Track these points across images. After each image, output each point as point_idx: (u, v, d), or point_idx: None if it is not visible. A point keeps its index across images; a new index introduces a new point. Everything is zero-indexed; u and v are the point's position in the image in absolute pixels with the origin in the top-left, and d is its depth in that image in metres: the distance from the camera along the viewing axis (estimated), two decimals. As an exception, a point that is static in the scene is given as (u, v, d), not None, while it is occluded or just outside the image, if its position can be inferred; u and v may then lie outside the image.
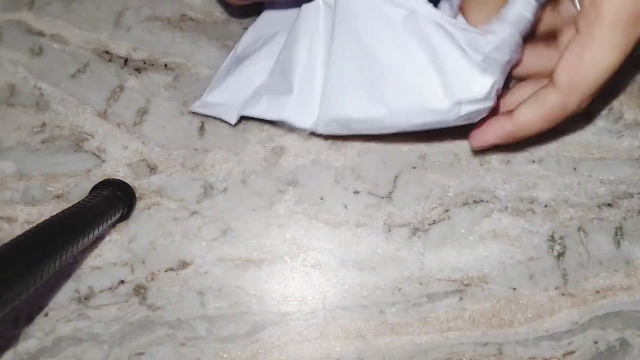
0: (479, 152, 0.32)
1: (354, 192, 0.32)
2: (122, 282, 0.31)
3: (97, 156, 0.32)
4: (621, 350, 0.30)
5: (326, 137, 0.32)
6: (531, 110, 0.25)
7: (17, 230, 0.31)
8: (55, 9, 0.34)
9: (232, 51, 0.32)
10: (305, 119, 0.28)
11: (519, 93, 0.28)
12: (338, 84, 0.26)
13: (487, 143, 0.27)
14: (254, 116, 0.30)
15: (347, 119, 0.26)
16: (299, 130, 0.29)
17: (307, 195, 0.32)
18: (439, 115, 0.23)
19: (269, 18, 0.32)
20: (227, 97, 0.31)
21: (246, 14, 0.34)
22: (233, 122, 0.31)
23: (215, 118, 0.32)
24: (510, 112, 0.26)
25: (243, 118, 0.33)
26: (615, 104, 0.33)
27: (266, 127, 0.32)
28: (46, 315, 0.30)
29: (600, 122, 0.33)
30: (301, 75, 0.28)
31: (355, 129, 0.27)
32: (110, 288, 0.31)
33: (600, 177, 0.32)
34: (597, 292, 0.31)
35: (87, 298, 0.31)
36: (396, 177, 0.32)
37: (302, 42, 0.27)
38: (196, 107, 0.31)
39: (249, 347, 0.30)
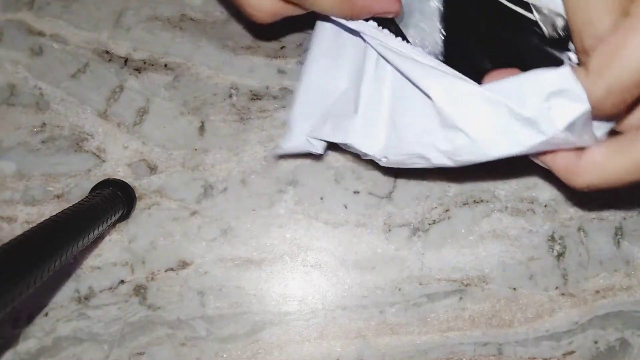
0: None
1: (354, 192, 0.32)
2: (122, 282, 0.31)
3: (97, 156, 0.32)
4: (621, 350, 0.30)
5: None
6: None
7: (17, 230, 0.31)
8: (55, 9, 0.34)
9: (302, 70, 0.29)
10: (370, 146, 0.26)
11: None
12: (405, 120, 0.24)
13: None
14: (322, 139, 0.28)
15: (414, 156, 0.24)
16: (363, 155, 0.27)
17: (307, 195, 0.32)
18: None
19: (328, 31, 0.28)
20: (306, 127, 0.28)
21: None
22: (322, 151, 0.28)
23: (214, 118, 0.32)
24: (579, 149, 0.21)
25: (242, 118, 0.33)
26: (615, 104, 0.33)
27: (266, 127, 0.32)
28: (46, 315, 0.30)
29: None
30: (367, 100, 0.26)
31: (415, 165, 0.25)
32: (110, 288, 0.31)
33: (600, 177, 0.32)
34: (597, 292, 0.31)
35: (87, 298, 0.31)
36: (396, 177, 0.32)
37: (367, 69, 0.26)
38: (285, 147, 0.28)
39: (249, 347, 0.30)
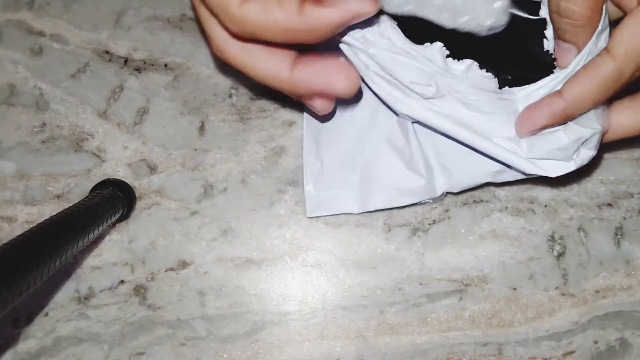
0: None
1: (354, 192, 0.32)
2: (122, 282, 0.31)
3: (97, 156, 0.32)
4: (621, 350, 0.30)
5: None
6: (583, 81, 0.24)
7: (17, 230, 0.31)
8: (55, 9, 0.34)
9: (306, 126, 0.31)
10: (435, 193, 0.29)
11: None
12: (452, 157, 0.28)
13: (537, 126, 0.26)
14: (384, 207, 0.30)
15: (472, 183, 0.29)
16: (421, 203, 0.30)
17: (307, 195, 0.32)
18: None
19: None
20: (337, 187, 0.31)
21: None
22: (357, 212, 0.31)
23: (214, 118, 0.32)
24: (557, 91, 0.25)
25: (242, 118, 0.33)
26: (615, 104, 0.33)
27: (266, 127, 0.32)
28: (46, 315, 0.30)
29: (600, 122, 0.33)
30: (423, 161, 0.29)
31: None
32: (110, 288, 0.31)
33: (600, 177, 0.32)
34: (597, 292, 0.31)
35: (87, 298, 0.31)
36: (396, 177, 0.32)
37: (407, 130, 0.28)
38: (312, 212, 0.31)
39: (249, 347, 0.30)
